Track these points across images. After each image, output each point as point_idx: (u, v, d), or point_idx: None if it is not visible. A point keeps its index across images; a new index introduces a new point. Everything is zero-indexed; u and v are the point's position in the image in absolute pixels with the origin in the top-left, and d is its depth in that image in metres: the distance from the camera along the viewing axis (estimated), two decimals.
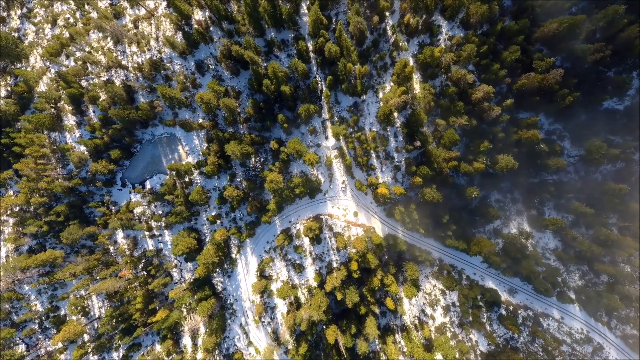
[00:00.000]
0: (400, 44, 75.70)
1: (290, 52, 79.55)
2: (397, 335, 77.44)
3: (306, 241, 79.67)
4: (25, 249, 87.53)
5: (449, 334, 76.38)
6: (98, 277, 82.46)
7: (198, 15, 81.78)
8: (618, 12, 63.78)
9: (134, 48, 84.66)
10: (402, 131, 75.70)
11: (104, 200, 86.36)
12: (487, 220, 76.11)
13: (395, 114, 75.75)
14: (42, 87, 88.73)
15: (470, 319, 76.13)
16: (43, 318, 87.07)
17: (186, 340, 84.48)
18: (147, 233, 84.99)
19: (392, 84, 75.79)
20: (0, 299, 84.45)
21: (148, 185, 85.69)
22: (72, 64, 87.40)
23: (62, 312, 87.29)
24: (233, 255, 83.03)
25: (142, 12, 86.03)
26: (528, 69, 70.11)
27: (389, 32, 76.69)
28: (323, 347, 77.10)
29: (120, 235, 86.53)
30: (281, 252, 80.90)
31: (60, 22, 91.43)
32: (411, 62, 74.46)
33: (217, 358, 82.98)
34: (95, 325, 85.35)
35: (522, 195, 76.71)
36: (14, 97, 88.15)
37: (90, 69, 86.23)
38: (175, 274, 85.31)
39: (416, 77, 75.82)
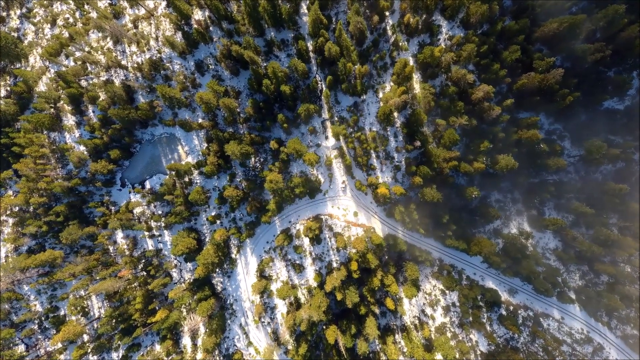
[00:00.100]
0: (400, 43, 75.60)
1: (290, 52, 79.45)
2: (397, 336, 77.35)
3: (306, 241, 79.57)
4: (25, 249, 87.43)
5: (449, 334, 76.29)
6: (98, 278, 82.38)
7: (198, 15, 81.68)
8: (618, 11, 63.68)
9: (134, 48, 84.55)
10: (402, 131, 75.61)
11: (103, 200, 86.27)
12: (487, 220, 76.02)
13: (395, 114, 75.66)
14: (41, 87, 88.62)
15: (471, 319, 76.05)
16: (42, 318, 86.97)
17: (186, 341, 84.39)
18: (146, 233, 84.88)
19: (392, 83, 75.70)
20: None
21: (148, 185, 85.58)
22: (72, 63, 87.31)
23: (62, 313, 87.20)
24: (233, 256, 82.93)
25: (142, 12, 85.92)
26: (528, 68, 70.00)
27: (389, 32, 76.60)
28: (323, 347, 77.03)
29: (119, 235, 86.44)
30: (281, 252, 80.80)
31: (59, 22, 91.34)
32: (411, 62, 74.36)
33: (217, 358, 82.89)
34: (95, 325, 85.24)
35: (522, 195, 76.62)
36: (13, 97, 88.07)
37: (89, 68, 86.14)
38: (174, 274, 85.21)
39: (416, 77, 75.73)
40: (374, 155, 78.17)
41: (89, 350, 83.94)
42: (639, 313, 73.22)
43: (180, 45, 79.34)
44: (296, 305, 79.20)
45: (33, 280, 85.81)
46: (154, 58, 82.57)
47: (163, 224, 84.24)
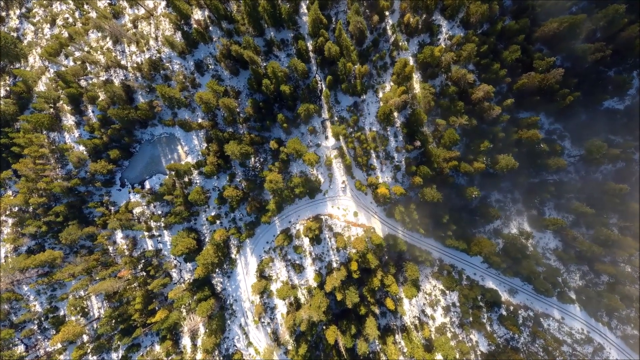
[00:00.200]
0: (400, 43, 75.51)
1: (289, 52, 79.34)
2: (397, 336, 77.24)
3: (306, 241, 79.46)
4: (24, 250, 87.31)
5: (449, 335, 76.20)
6: (97, 278, 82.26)
7: (197, 14, 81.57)
8: (618, 11, 63.59)
9: (133, 48, 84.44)
10: (402, 131, 75.50)
11: (103, 200, 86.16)
12: (488, 220, 75.93)
13: (395, 114, 75.56)
14: (41, 87, 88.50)
15: (471, 319, 75.96)
16: (42, 319, 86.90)
17: (185, 341, 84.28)
18: (146, 233, 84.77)
19: (392, 83, 75.60)
20: None
21: (147, 185, 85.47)
22: (71, 63, 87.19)
23: (61, 313, 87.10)
24: (232, 256, 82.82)
25: (141, 11, 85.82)
26: (528, 68, 69.88)
27: (389, 32, 76.49)
28: (323, 347, 76.92)
29: (119, 235, 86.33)
30: (281, 252, 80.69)
31: (59, 21, 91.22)
32: (411, 62, 74.25)
33: (217, 358, 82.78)
34: (95, 325, 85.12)
35: (522, 195, 76.52)
36: (12, 97, 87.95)
37: (89, 68, 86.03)
38: (174, 274, 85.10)
39: (416, 77, 75.63)
40: (374, 155, 78.06)
41: (89, 350, 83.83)
42: (639, 313, 73.14)
43: (179, 45, 79.23)
44: (296, 305, 79.10)
45: (32, 280, 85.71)
46: (154, 58, 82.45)
47: (163, 224, 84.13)
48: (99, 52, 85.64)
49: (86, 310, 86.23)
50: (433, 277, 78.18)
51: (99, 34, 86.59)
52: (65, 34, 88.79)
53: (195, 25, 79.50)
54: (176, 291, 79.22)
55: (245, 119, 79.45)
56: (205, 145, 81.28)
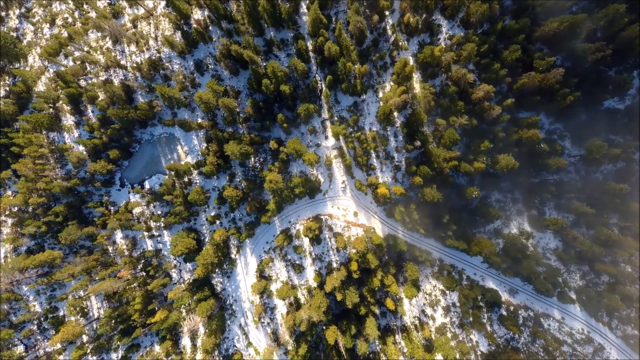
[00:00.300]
0: (400, 43, 75.41)
1: (289, 52, 79.24)
2: (397, 336, 77.14)
3: (306, 241, 79.36)
4: (24, 250, 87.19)
5: (449, 335, 76.10)
6: (97, 278, 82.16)
7: (197, 14, 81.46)
8: (619, 11, 63.54)
9: (133, 48, 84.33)
10: (402, 131, 75.41)
11: (102, 200, 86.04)
12: (488, 220, 75.84)
13: (395, 114, 75.46)
14: (40, 87, 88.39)
15: (471, 319, 75.87)
16: (42, 319, 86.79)
17: (185, 341, 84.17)
18: (146, 233, 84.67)
19: (392, 83, 75.51)
20: None
21: (147, 185, 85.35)
22: (71, 63, 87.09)
23: (61, 313, 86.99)
24: (232, 256, 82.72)
25: (141, 11, 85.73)
26: (528, 68, 69.80)
27: (389, 32, 76.40)
28: (323, 347, 76.83)
29: (119, 235, 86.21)
30: (281, 252, 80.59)
31: (58, 21, 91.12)
32: (411, 62, 74.17)
33: (217, 359, 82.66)
34: (94, 326, 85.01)
35: (522, 195, 76.42)
36: (12, 97, 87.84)
37: (88, 68, 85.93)
38: (174, 274, 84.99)
39: (416, 77, 75.54)
40: (374, 155, 77.97)
41: (88, 350, 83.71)
42: (639, 313, 73.04)
43: (179, 45, 79.12)
44: (296, 305, 79.00)
45: (32, 280, 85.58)
46: (153, 58, 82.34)
47: (162, 224, 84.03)
48: (98, 52, 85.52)
49: (86, 310, 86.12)
50: (433, 277, 78.08)
51: (99, 34, 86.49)
52: (65, 34, 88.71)
53: (195, 25, 79.40)
54: (176, 291, 79.11)
55: (245, 119, 79.34)
56: (205, 145, 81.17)
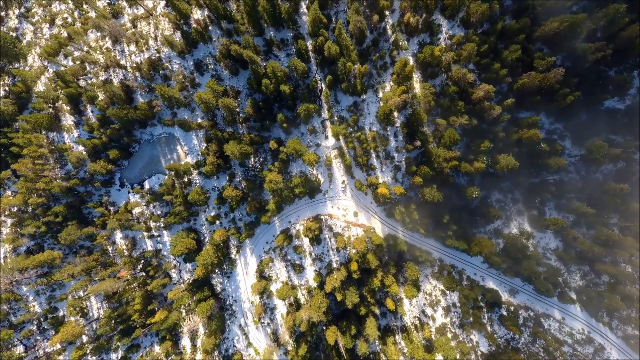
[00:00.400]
0: (400, 43, 75.32)
1: (289, 52, 79.15)
2: (397, 336, 77.04)
3: (306, 241, 79.26)
4: (24, 250, 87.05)
5: (449, 335, 76.01)
6: (97, 278, 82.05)
7: (197, 14, 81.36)
8: (619, 11, 63.46)
9: (133, 47, 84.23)
10: (402, 131, 75.32)
11: (102, 200, 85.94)
12: (488, 220, 75.75)
13: (395, 114, 75.37)
14: (40, 86, 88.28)
15: (471, 319, 75.78)
16: (41, 319, 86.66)
17: (185, 341, 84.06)
18: (145, 233, 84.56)
19: (392, 83, 75.42)
20: None
21: (147, 185, 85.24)
22: (70, 63, 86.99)
23: (61, 313, 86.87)
24: (232, 256, 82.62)
25: (141, 11, 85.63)
26: (529, 68, 69.75)
27: (389, 31, 76.31)
28: (323, 348, 76.73)
29: (118, 235, 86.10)
30: (281, 252, 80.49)
31: (58, 21, 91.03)
32: (411, 62, 74.09)
33: (216, 359, 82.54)
34: (94, 326, 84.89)
35: (522, 195, 76.34)
36: (11, 97, 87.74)
37: (88, 68, 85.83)
38: (174, 274, 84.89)
39: (416, 77, 75.45)
40: (374, 155, 77.88)
41: (88, 351, 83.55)
42: (639, 313, 72.96)
43: (179, 45, 79.03)
44: (296, 305, 78.89)
45: (32, 281, 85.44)
46: (153, 58, 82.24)
47: (162, 225, 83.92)
48: (98, 52, 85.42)
49: (85, 310, 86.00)
50: (433, 278, 77.99)
51: (98, 34, 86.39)
52: (65, 34, 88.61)
53: (194, 25, 79.30)
54: (176, 291, 78.98)
55: (244, 119, 79.24)
56: (205, 145, 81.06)
